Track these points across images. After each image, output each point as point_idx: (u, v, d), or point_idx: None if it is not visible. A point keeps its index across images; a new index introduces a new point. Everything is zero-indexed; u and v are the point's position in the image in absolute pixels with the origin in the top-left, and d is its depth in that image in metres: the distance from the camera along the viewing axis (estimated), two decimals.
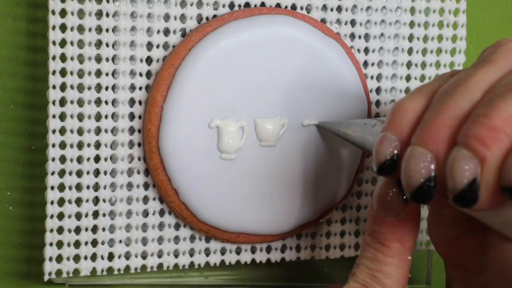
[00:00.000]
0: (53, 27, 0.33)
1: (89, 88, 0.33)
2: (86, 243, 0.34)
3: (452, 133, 0.25)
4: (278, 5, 0.36)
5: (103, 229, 0.34)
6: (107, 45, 0.33)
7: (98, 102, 0.34)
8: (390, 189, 0.28)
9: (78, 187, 0.34)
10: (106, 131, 0.34)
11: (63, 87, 0.33)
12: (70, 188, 0.34)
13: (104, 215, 0.34)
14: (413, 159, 0.25)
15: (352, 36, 0.38)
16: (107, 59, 0.34)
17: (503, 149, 0.24)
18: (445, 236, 0.32)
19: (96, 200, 0.34)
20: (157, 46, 0.34)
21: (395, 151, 0.26)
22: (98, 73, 0.34)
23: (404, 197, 0.28)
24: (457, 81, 0.26)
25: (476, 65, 0.27)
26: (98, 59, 0.33)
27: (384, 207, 0.29)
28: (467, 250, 0.31)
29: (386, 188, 0.28)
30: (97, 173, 0.34)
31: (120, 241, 0.35)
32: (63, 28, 0.33)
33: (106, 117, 0.34)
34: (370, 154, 0.32)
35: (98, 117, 0.34)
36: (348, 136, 0.33)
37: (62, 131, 0.33)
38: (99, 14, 0.33)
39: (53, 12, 0.33)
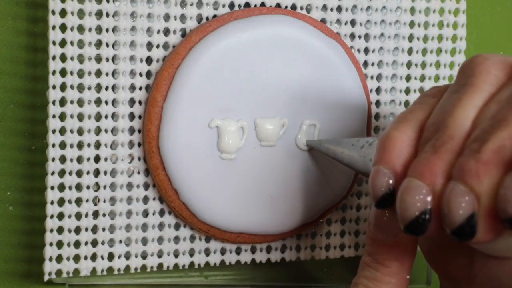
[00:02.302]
0: (53, 27, 0.33)
1: (89, 88, 0.33)
2: (86, 243, 0.34)
3: (448, 166, 0.25)
4: (278, 5, 0.36)
5: (103, 229, 0.34)
6: (107, 45, 0.33)
7: (98, 102, 0.34)
8: (385, 211, 0.28)
9: (78, 187, 0.34)
10: (106, 131, 0.34)
11: (63, 87, 0.33)
12: (70, 188, 0.34)
13: (104, 215, 0.34)
14: (409, 191, 0.26)
15: (352, 36, 0.38)
16: (107, 59, 0.34)
17: (495, 180, 0.24)
18: (435, 249, 0.32)
19: (96, 200, 0.34)
20: (157, 46, 0.34)
21: (390, 184, 0.27)
22: (98, 73, 0.34)
23: None
24: (445, 111, 0.27)
25: (458, 90, 0.27)
26: (98, 59, 0.33)
27: (381, 229, 0.29)
28: (457, 262, 0.31)
29: (382, 210, 0.28)
30: (97, 173, 0.34)
31: (120, 241, 0.35)
32: (63, 28, 0.33)
33: (106, 117, 0.34)
34: (360, 173, 0.32)
35: (98, 117, 0.34)
36: (337, 156, 0.33)
37: (62, 131, 0.33)
38: (99, 14, 0.33)
39: (53, 12, 0.33)
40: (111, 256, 0.35)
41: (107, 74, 0.34)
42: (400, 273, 0.29)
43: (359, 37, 0.38)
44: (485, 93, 0.26)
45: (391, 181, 0.27)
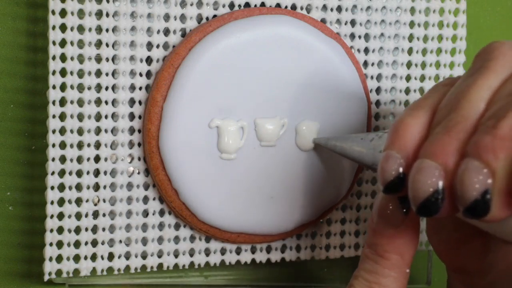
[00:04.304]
0: (53, 27, 0.33)
1: (89, 88, 0.34)
2: (86, 243, 0.34)
3: (461, 146, 0.25)
4: (278, 5, 0.36)
5: (103, 229, 0.34)
6: (107, 45, 0.33)
7: (98, 102, 0.34)
8: (390, 201, 0.28)
9: (78, 187, 0.34)
10: (106, 131, 0.34)
11: (63, 87, 0.33)
12: (70, 188, 0.34)
13: (104, 215, 0.34)
14: (421, 171, 0.25)
15: (352, 36, 0.38)
16: (107, 59, 0.34)
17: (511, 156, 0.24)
18: (447, 242, 0.32)
19: (96, 200, 0.34)
20: (157, 46, 0.34)
21: (401, 169, 0.26)
22: (98, 73, 0.34)
23: (404, 209, 0.28)
24: (459, 93, 0.26)
25: (473, 73, 0.27)
26: (98, 59, 0.34)
27: (384, 219, 0.29)
28: (470, 253, 0.31)
29: (386, 200, 0.28)
30: (97, 173, 0.34)
31: (120, 241, 0.35)
32: (63, 28, 0.33)
33: (106, 117, 0.34)
34: (369, 168, 0.32)
35: (98, 117, 0.34)
36: (346, 152, 0.33)
37: (62, 131, 0.33)
38: (99, 14, 0.33)
39: (53, 12, 0.33)
40: (111, 256, 0.35)
41: (107, 74, 0.34)
42: (400, 267, 0.29)
43: (359, 37, 0.38)
44: (501, 76, 0.26)
45: (401, 166, 0.26)
